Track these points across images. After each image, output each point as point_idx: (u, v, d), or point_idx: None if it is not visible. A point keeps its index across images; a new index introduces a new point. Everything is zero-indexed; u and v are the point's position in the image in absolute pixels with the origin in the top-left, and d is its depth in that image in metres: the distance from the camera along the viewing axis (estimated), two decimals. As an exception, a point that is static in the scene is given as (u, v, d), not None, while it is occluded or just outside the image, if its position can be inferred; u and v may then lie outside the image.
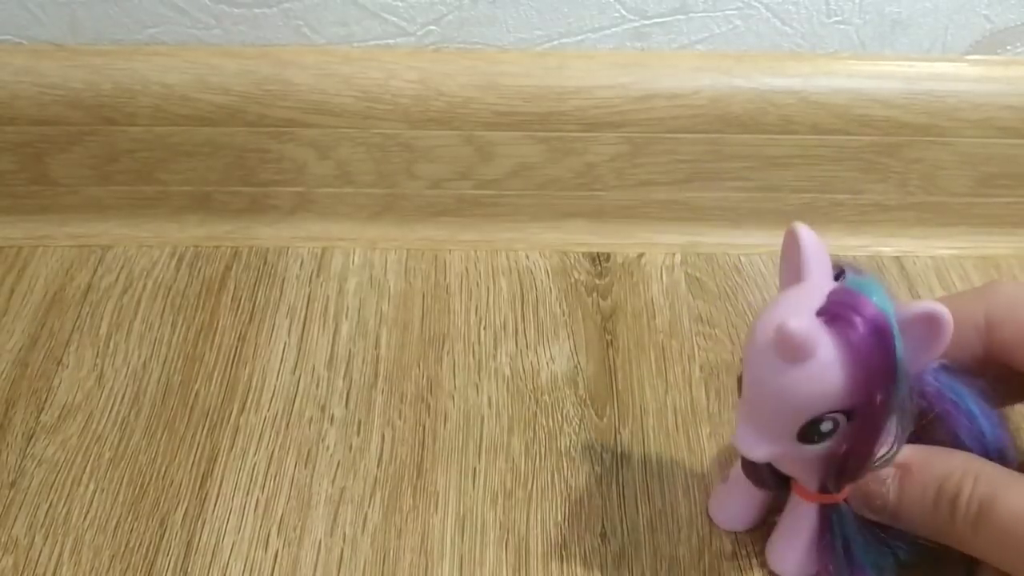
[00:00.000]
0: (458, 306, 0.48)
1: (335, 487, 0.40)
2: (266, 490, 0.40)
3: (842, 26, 0.47)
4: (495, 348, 0.46)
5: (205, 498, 0.40)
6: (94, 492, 0.40)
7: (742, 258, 0.50)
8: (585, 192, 0.50)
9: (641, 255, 0.50)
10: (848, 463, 0.31)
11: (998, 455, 0.34)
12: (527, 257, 0.50)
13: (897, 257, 0.50)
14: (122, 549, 0.38)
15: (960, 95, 0.47)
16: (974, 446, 0.34)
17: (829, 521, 0.35)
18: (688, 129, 0.47)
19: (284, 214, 0.51)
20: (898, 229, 0.51)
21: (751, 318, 0.47)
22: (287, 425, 0.42)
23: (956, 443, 0.34)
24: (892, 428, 0.30)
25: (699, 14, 0.46)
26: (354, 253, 0.50)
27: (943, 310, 0.28)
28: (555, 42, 0.47)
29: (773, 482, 0.35)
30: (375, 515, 0.39)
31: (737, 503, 0.38)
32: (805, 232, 0.31)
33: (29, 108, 0.47)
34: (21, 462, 0.41)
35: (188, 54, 0.47)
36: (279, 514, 0.39)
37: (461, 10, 0.46)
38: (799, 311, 0.29)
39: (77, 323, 0.47)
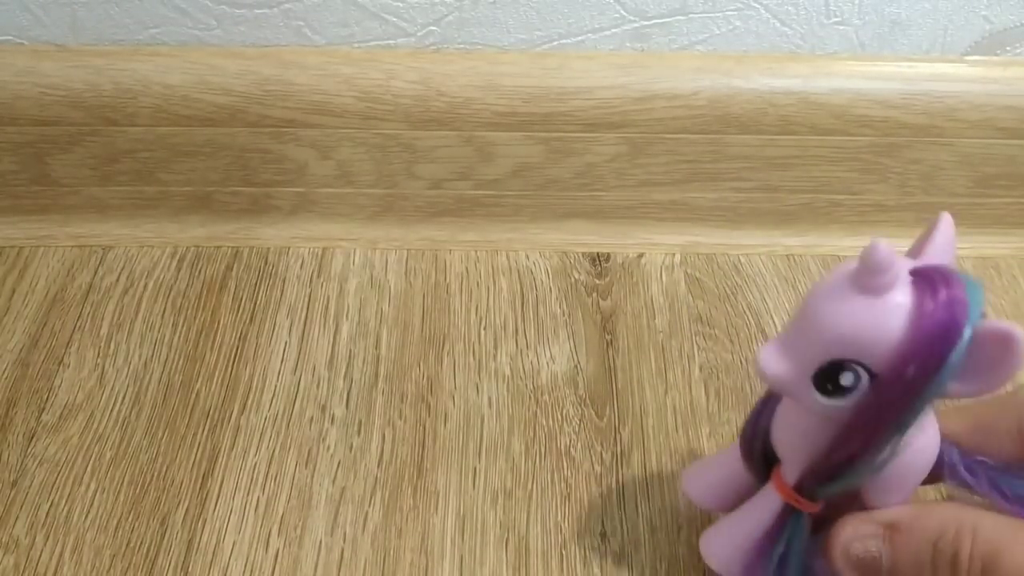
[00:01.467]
0: (458, 306, 0.48)
1: (336, 487, 0.40)
2: (267, 490, 0.40)
3: (841, 27, 0.47)
4: (495, 348, 0.46)
5: (206, 498, 0.40)
6: (95, 492, 0.40)
7: (741, 258, 0.50)
8: (585, 192, 0.50)
9: (641, 255, 0.51)
10: (842, 446, 0.29)
11: None
12: (527, 257, 0.50)
13: (896, 257, 0.51)
14: (123, 549, 0.38)
15: (959, 96, 0.47)
16: None
17: (782, 526, 0.33)
18: (688, 130, 0.47)
19: (285, 214, 0.51)
20: (897, 230, 0.51)
21: (751, 318, 0.47)
22: (288, 425, 0.42)
23: None
24: (897, 431, 0.28)
25: (699, 15, 0.46)
26: (355, 253, 0.50)
27: (1019, 333, 0.26)
28: (555, 43, 0.47)
29: (760, 459, 0.33)
30: (375, 515, 0.39)
31: (716, 476, 0.36)
32: (947, 223, 0.30)
33: (30, 108, 0.47)
34: (22, 461, 0.41)
35: (189, 55, 0.47)
36: (280, 514, 0.39)
37: (461, 11, 0.46)
38: (899, 256, 0.28)
39: (78, 323, 0.47)
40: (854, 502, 0.33)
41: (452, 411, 0.43)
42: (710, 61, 0.47)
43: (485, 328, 0.47)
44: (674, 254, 0.51)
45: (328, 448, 0.41)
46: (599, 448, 0.42)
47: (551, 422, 0.43)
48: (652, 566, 0.38)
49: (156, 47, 0.47)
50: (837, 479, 0.30)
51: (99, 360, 0.45)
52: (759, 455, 0.33)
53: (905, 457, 0.30)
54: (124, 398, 0.43)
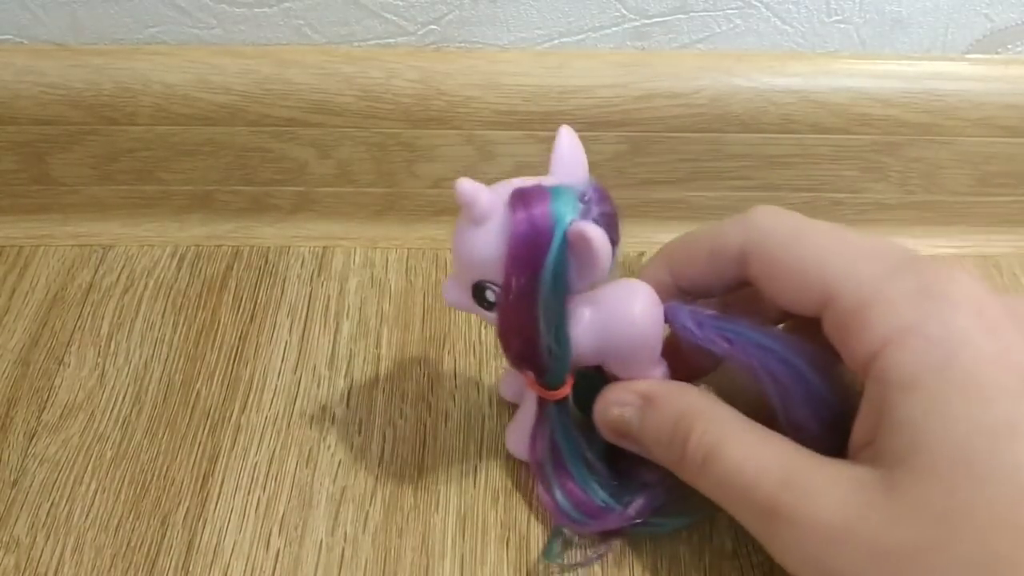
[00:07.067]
0: (459, 305, 0.48)
1: (336, 486, 0.40)
2: (267, 489, 0.40)
3: (842, 25, 0.47)
4: (496, 347, 0.46)
5: (206, 497, 0.40)
6: (96, 491, 0.40)
7: (742, 257, 0.50)
8: (586, 191, 0.50)
9: (642, 254, 0.50)
10: (508, 347, 0.34)
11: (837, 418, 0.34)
12: (528, 256, 0.50)
13: (897, 256, 0.50)
14: (124, 548, 0.38)
15: (960, 94, 0.47)
16: (815, 415, 0.34)
17: (543, 413, 0.37)
18: (688, 128, 0.47)
19: (285, 213, 0.51)
20: (898, 228, 0.51)
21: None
22: (288, 424, 0.42)
23: (790, 410, 0.34)
24: (544, 328, 0.33)
25: (699, 13, 0.46)
26: (355, 252, 0.50)
27: (592, 231, 0.31)
28: (556, 41, 0.47)
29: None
30: (376, 514, 0.39)
31: (512, 376, 0.42)
32: (565, 136, 0.34)
33: (30, 108, 0.47)
34: (23, 461, 0.41)
35: (189, 53, 0.47)
36: (280, 513, 0.39)
37: (462, 9, 0.46)
38: (495, 186, 0.33)
39: (78, 322, 0.47)
40: (610, 379, 0.38)
41: (453, 410, 0.43)
42: (711, 59, 0.47)
43: (486, 327, 0.46)
44: (675, 253, 0.51)
45: (329, 447, 0.41)
46: (600, 447, 0.42)
47: (552, 421, 0.43)
48: (653, 565, 0.38)
49: (156, 46, 0.47)
50: (541, 372, 0.35)
51: (99, 359, 0.45)
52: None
53: (601, 341, 0.35)
54: (124, 397, 0.43)
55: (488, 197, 0.32)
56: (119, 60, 0.47)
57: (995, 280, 0.49)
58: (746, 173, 0.49)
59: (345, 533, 0.38)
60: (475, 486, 0.40)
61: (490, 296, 0.34)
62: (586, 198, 0.32)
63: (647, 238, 0.51)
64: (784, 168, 0.49)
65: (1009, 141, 0.48)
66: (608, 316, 0.36)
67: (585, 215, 0.32)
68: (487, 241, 0.32)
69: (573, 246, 0.31)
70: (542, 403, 0.37)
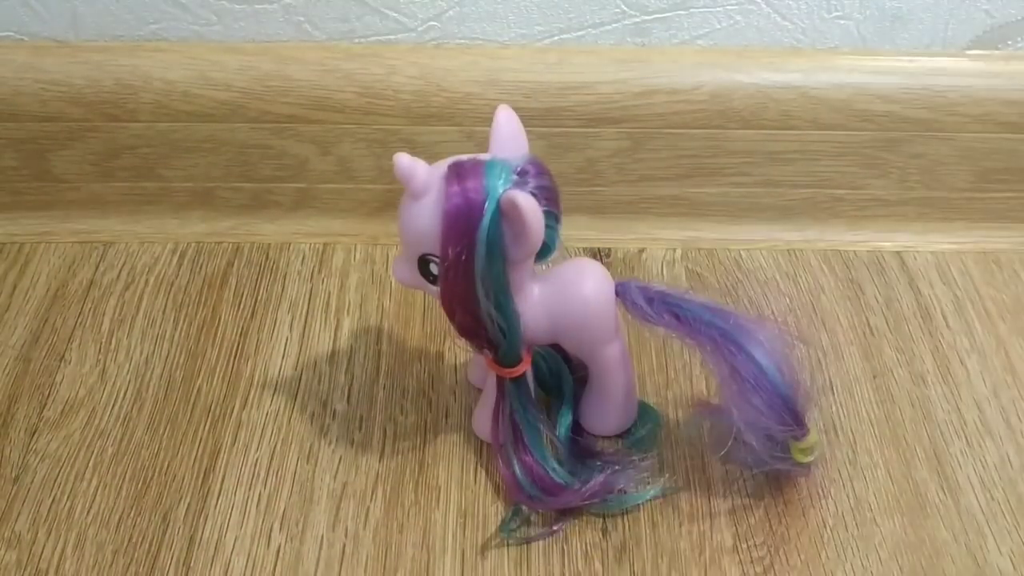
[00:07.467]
0: (459, 301, 0.48)
1: (337, 482, 0.40)
2: (268, 485, 0.40)
3: (842, 21, 0.47)
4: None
5: (208, 493, 0.40)
6: (97, 487, 0.40)
7: (743, 253, 0.50)
8: (586, 187, 0.50)
9: (642, 250, 0.51)
10: (453, 319, 0.35)
11: (785, 401, 0.35)
12: (528, 252, 0.50)
13: (898, 252, 0.50)
14: (125, 544, 0.38)
15: (960, 90, 0.47)
16: (762, 395, 0.35)
17: (503, 393, 0.38)
18: (689, 124, 0.47)
19: (286, 210, 0.51)
20: (898, 224, 0.51)
21: (752, 312, 0.47)
22: (289, 420, 0.42)
23: (735, 387, 0.35)
24: (485, 298, 0.33)
25: (699, 9, 0.46)
26: (355, 249, 0.50)
27: (523, 198, 0.32)
28: (556, 38, 0.47)
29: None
30: (377, 510, 0.39)
31: (477, 362, 0.42)
32: (504, 115, 0.35)
33: (31, 104, 0.47)
34: (24, 457, 0.41)
35: (189, 50, 0.47)
36: (281, 509, 0.39)
37: (462, 6, 0.46)
38: (436, 164, 0.33)
39: (79, 319, 0.47)
40: (571, 359, 0.40)
41: (453, 406, 0.43)
42: (711, 56, 0.47)
43: (486, 323, 0.46)
44: (675, 249, 0.51)
45: (330, 443, 0.41)
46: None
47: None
48: (653, 561, 0.38)
49: (157, 43, 0.47)
50: (492, 347, 0.36)
51: (100, 356, 0.45)
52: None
53: (553, 318, 0.36)
54: (125, 394, 0.43)
55: (425, 172, 0.33)
56: (120, 57, 0.47)
57: (995, 276, 0.49)
58: (746, 169, 0.49)
59: (346, 529, 0.38)
60: (476, 482, 0.40)
61: (434, 269, 0.34)
62: (523, 172, 0.33)
63: (647, 234, 0.51)
64: (784, 164, 0.49)
65: (1009, 137, 0.48)
66: (559, 293, 0.37)
67: (521, 187, 0.33)
68: (426, 215, 0.33)
69: (505, 214, 0.32)
70: (501, 382, 0.38)
